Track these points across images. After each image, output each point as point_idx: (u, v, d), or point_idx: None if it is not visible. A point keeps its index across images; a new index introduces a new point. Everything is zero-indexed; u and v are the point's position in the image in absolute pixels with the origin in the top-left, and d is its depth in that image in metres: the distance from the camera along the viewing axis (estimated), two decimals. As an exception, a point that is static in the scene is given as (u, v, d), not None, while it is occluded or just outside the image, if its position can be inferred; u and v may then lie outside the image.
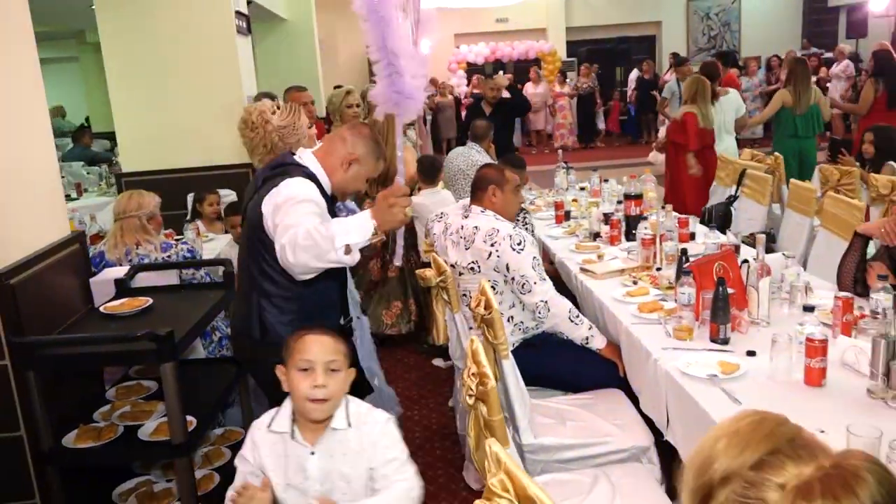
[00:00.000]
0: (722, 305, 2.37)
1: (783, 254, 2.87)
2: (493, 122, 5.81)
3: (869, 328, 2.22)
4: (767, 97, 9.92)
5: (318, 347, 1.81)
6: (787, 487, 0.82)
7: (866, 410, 1.90)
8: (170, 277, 3.34)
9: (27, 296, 2.53)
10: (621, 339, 2.70)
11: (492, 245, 2.78)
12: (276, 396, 2.01)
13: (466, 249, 2.85)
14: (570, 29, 16.23)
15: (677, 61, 10.47)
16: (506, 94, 6.97)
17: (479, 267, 2.82)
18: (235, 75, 5.22)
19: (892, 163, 4.47)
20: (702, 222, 4.44)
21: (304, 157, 2.27)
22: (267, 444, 1.89)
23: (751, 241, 4.06)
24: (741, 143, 6.88)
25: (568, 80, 13.98)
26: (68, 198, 6.05)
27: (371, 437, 1.87)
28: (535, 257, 2.79)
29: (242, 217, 2.46)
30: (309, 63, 10.38)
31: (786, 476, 0.83)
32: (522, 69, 14.81)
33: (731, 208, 4.80)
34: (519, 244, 2.76)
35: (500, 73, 14.00)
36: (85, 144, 8.92)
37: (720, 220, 4.72)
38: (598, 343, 2.79)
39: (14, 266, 2.50)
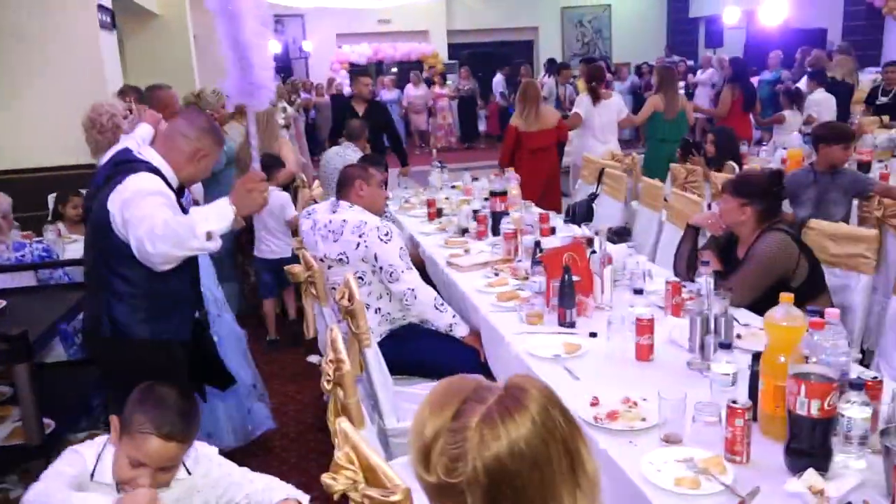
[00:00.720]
0: (568, 291, 2.58)
1: (627, 245, 3.13)
2: (366, 122, 5.90)
3: (692, 308, 2.47)
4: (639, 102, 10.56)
5: (158, 456, 1.69)
6: (475, 423, 0.98)
7: (686, 380, 2.13)
8: (27, 279, 3.23)
9: None
10: (481, 326, 2.86)
11: (360, 236, 2.88)
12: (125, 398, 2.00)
13: (335, 242, 2.93)
14: (452, 32, 16.55)
15: (558, 66, 10.98)
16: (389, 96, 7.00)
17: (347, 258, 2.91)
18: (99, 71, 5.04)
19: (731, 161, 4.92)
20: (566, 218, 4.71)
21: (145, 151, 2.27)
22: (93, 495, 1.69)
23: (608, 234, 4.36)
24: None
25: (448, 82, 14.26)
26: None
27: (212, 477, 1.87)
28: (401, 247, 2.91)
29: (84, 217, 2.43)
30: (184, 59, 10.09)
31: (476, 416, 1.00)
32: (405, 70, 14.97)
33: (593, 205, 5.11)
34: (386, 234, 2.87)
35: (389, 76, 14.19)
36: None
37: (582, 215, 5.03)
38: (461, 331, 2.94)
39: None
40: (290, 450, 3.43)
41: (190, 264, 2.29)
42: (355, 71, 14.91)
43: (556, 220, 4.25)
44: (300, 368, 4.32)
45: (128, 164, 2.20)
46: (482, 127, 13.46)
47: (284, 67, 14.89)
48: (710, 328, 2.18)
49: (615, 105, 6.44)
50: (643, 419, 1.89)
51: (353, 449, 1.45)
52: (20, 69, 4.98)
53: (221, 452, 2.02)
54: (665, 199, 4.26)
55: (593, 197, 5.13)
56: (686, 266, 2.97)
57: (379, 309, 2.96)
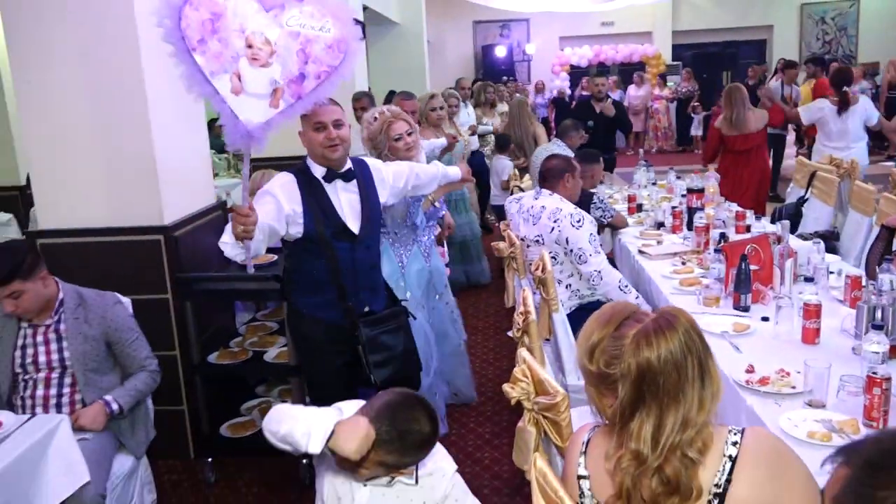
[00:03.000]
0: (743, 278, 2.79)
1: (813, 241, 3.22)
2: (598, 122, 6.39)
3: (863, 298, 2.57)
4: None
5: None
6: (632, 335, 1.34)
7: (847, 364, 2.27)
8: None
9: (185, 245, 3.26)
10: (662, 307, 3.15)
11: (554, 221, 3.29)
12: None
13: (534, 225, 3.37)
14: (677, 32, 16.24)
15: (785, 65, 10.45)
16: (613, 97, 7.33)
17: (542, 240, 3.33)
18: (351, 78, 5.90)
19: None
20: (772, 221, 4.74)
21: None
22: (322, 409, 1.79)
23: (812, 237, 4.36)
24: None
25: (669, 84, 14.08)
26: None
27: (437, 495, 1.81)
28: (591, 234, 3.26)
29: None
30: (418, 63, 11.08)
31: (633, 329, 1.35)
32: (627, 72, 15.00)
33: (802, 208, 5.06)
34: (578, 221, 3.25)
35: (608, 77, 14.34)
36: (216, 134, 9.96)
37: (790, 219, 5.00)
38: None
39: (177, 222, 3.24)
40: (486, 409, 3.85)
41: (325, 254, 2.49)
42: (577, 73, 15.33)
43: (762, 222, 4.32)
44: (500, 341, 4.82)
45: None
46: (695, 131, 12.99)
47: (507, 70, 15.62)
48: (877, 317, 2.30)
49: (860, 110, 6.04)
50: (793, 387, 2.11)
51: (528, 367, 1.88)
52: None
53: None
54: (876, 202, 4.17)
55: (802, 201, 5.07)
56: (875, 265, 3.01)
57: (569, 285, 3.34)
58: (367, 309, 2.60)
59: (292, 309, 2.65)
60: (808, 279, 2.63)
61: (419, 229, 3.34)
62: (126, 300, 2.77)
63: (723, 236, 3.20)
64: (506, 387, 1.88)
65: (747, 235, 3.70)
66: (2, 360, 2.49)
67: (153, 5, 2.02)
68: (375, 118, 3.26)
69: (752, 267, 2.85)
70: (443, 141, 4.88)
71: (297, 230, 2.47)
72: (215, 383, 3.37)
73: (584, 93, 12.45)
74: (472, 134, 6.53)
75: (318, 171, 2.52)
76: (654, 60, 15.69)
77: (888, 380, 1.84)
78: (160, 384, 2.75)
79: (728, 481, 1.31)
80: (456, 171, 3.12)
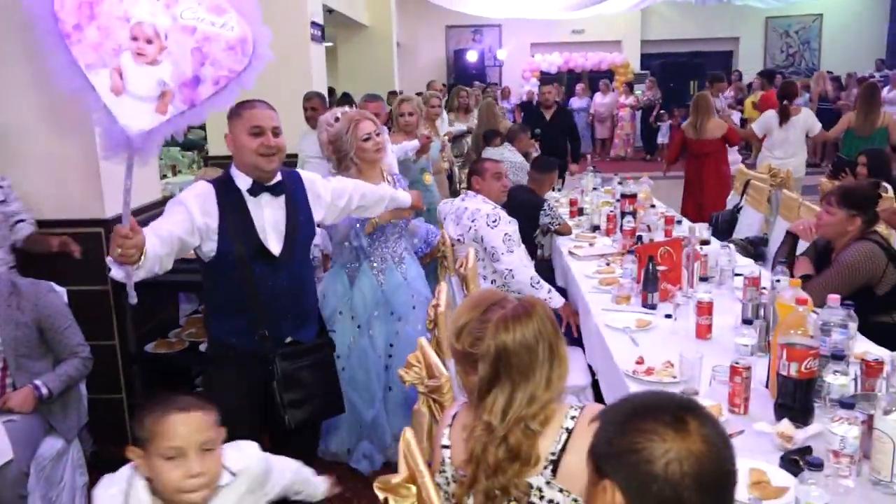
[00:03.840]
0: (651, 278, 2.97)
1: (722, 244, 3.42)
2: (552, 127, 6.70)
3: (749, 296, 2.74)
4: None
5: (186, 429, 1.50)
6: (495, 319, 1.50)
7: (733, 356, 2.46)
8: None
9: (126, 238, 3.36)
10: (579, 304, 3.32)
11: (472, 221, 3.45)
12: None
13: (457, 225, 3.54)
14: (646, 42, 16.56)
15: (712, 78, 10.72)
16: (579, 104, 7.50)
17: (463, 238, 3.50)
18: (308, 78, 6.01)
19: (885, 184, 4.85)
20: (714, 228, 4.93)
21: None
22: None
23: (743, 242, 4.58)
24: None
25: (636, 92, 14.35)
26: (164, 177, 7.03)
27: (254, 473, 1.69)
28: (506, 233, 3.39)
29: None
30: (386, 66, 11.22)
31: (496, 315, 1.51)
32: (596, 80, 15.25)
33: (738, 215, 5.28)
34: (494, 221, 3.41)
35: (580, 84, 14.58)
36: (183, 133, 10.01)
37: (725, 225, 5.22)
38: (555, 303, 3.37)
39: (118, 215, 3.34)
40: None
41: (240, 276, 2.28)
42: (544, 80, 15.56)
43: (683, 225, 4.51)
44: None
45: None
46: (661, 139, 13.21)
47: (479, 74, 15.83)
48: (760, 314, 2.49)
49: (802, 121, 6.36)
50: (674, 377, 2.28)
51: (422, 352, 2.03)
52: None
53: None
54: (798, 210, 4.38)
55: (737, 208, 5.29)
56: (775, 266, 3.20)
57: (493, 281, 3.50)
58: (289, 339, 2.41)
59: (208, 333, 2.49)
60: (703, 279, 2.82)
61: (364, 250, 3.08)
62: (61, 289, 2.87)
63: (639, 238, 3.38)
64: (400, 371, 2.03)
65: (663, 238, 3.89)
66: (-66, 345, 2.59)
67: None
68: (337, 118, 3.14)
69: (661, 268, 3.03)
70: (415, 143, 4.69)
71: (210, 247, 2.26)
72: (155, 373, 3.48)
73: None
74: (450, 141, 6.61)
75: (244, 182, 2.31)
76: (623, 69, 15.99)
77: (748, 369, 2.01)
78: (100, 372, 2.84)
79: (562, 450, 1.47)
80: (406, 197, 2.95)
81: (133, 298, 2.00)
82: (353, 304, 3.08)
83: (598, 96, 14.23)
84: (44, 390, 2.60)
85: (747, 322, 2.21)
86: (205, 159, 6.77)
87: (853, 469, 1.64)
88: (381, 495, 1.47)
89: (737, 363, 2.03)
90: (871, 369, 1.98)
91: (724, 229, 5.15)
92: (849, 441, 1.62)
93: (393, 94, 9.36)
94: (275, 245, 2.33)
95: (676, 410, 1.00)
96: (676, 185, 6.54)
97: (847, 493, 1.64)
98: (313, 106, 5.01)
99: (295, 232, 2.38)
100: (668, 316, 2.86)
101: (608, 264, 3.67)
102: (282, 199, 2.36)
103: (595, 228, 4.48)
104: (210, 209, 2.24)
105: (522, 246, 3.49)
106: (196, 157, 8.46)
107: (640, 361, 2.40)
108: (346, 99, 7.91)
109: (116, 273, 1.95)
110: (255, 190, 2.31)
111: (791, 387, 1.91)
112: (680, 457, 0.95)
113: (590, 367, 3.07)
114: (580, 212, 4.99)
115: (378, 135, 3.05)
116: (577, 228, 4.62)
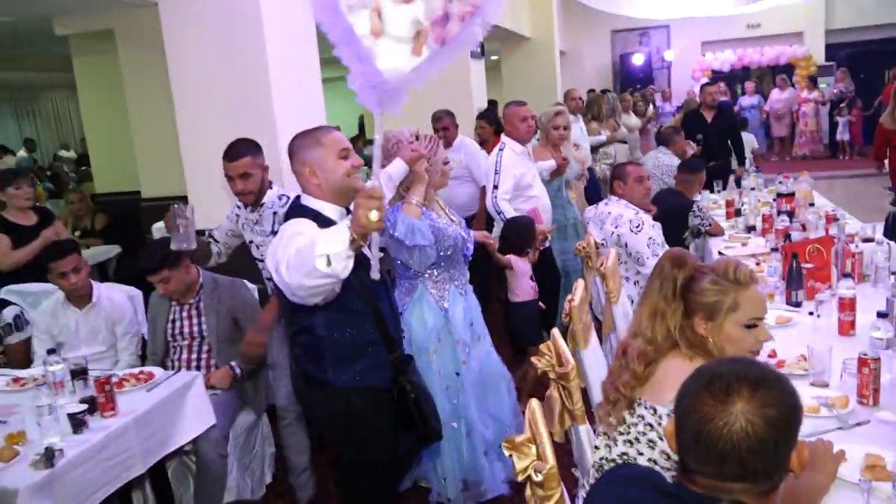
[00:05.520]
0: (795, 276, 2.95)
1: (876, 242, 3.27)
2: (713, 129, 6.50)
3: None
4: None
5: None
6: None
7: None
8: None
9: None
10: (724, 303, 3.33)
11: (615, 227, 3.58)
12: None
13: (600, 229, 3.67)
14: (831, 31, 15.39)
15: None
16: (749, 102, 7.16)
17: (607, 243, 3.62)
18: (467, 93, 6.35)
19: None
20: (885, 227, 4.66)
21: (304, 199, 2.22)
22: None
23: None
24: None
25: (821, 86, 13.39)
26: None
27: None
28: (650, 237, 3.49)
29: None
30: (549, 76, 11.40)
31: None
32: (766, 76, 14.43)
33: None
34: (637, 227, 3.51)
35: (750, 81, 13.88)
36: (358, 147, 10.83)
37: (896, 225, 4.89)
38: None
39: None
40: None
41: (371, 307, 2.18)
42: (718, 78, 14.96)
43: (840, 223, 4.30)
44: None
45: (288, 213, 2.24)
46: (840, 135, 12.14)
47: (646, 78, 15.53)
48: (904, 309, 2.43)
49: None
50: (805, 370, 2.30)
51: (554, 342, 2.23)
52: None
53: None
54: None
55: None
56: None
57: (637, 282, 3.60)
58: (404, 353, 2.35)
59: (325, 390, 2.22)
60: (846, 275, 2.76)
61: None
62: (252, 286, 3.38)
63: (787, 237, 3.33)
64: (533, 359, 2.23)
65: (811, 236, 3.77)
66: (158, 330, 3.17)
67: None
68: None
69: (808, 265, 2.99)
70: (551, 163, 4.41)
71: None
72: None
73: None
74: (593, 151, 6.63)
75: (333, 212, 2.16)
76: (804, 62, 14.98)
77: (877, 360, 2.01)
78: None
79: None
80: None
81: (377, 274, 1.87)
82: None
83: (774, 92, 13.48)
84: (238, 371, 3.09)
85: (882, 315, 2.18)
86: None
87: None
88: (507, 453, 1.68)
89: (864, 354, 2.03)
90: None
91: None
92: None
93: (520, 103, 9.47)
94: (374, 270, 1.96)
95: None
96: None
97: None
98: (444, 126, 4.93)
99: (384, 251, 2.38)
100: (811, 313, 2.84)
101: (758, 264, 3.63)
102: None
103: (751, 229, 4.41)
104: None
105: (666, 247, 3.56)
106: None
107: (772, 354, 2.43)
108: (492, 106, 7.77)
109: (342, 253, 1.74)
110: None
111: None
112: None
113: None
114: (737, 213, 4.90)
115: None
116: (732, 229, 4.56)
